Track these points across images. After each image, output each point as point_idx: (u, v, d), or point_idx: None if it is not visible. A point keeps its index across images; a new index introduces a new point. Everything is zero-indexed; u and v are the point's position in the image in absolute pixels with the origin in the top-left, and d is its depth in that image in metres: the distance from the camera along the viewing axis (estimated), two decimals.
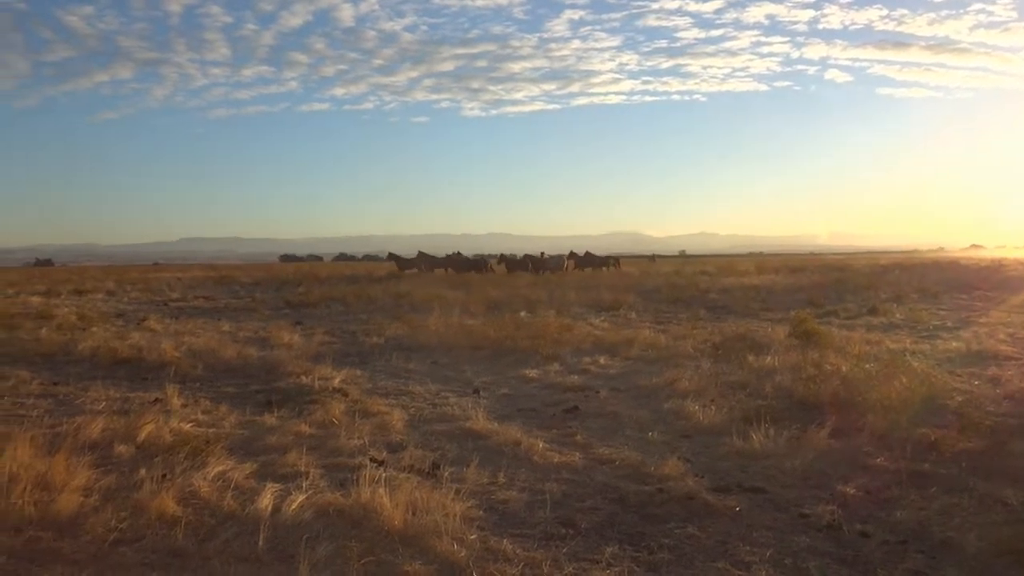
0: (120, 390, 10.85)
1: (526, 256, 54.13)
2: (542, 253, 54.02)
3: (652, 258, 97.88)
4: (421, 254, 55.53)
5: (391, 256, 57.09)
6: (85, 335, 16.35)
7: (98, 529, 5.30)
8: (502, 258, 54.79)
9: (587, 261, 54.78)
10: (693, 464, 7.10)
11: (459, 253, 53.82)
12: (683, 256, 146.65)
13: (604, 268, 53.69)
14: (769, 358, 12.10)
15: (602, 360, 13.24)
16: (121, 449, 7.32)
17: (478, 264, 50.83)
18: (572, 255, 54.68)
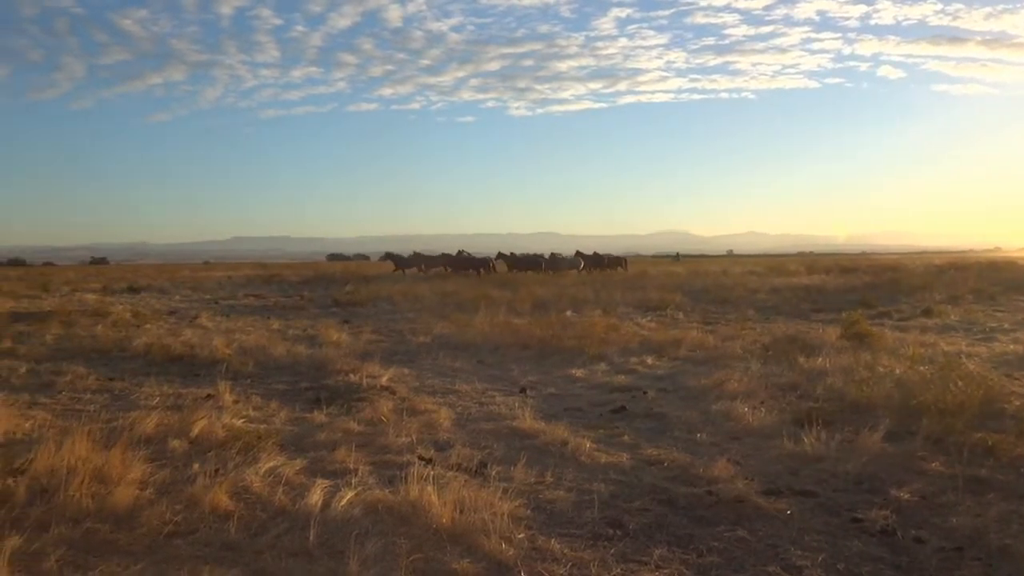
0: (173, 386, 11.03)
1: (531, 255, 52.90)
2: (552, 253, 53.18)
3: (676, 257, 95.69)
4: (416, 254, 54.21)
5: (388, 256, 55.26)
6: (139, 332, 16.66)
7: (153, 522, 5.39)
8: (499, 256, 52.74)
9: (595, 261, 53.15)
10: (743, 466, 7.03)
11: (461, 252, 51.54)
12: (731, 256, 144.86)
13: (612, 269, 52.09)
14: (820, 360, 11.94)
15: (649, 360, 13.18)
16: (175, 444, 7.45)
17: (478, 263, 49.05)
18: (578, 255, 53.44)
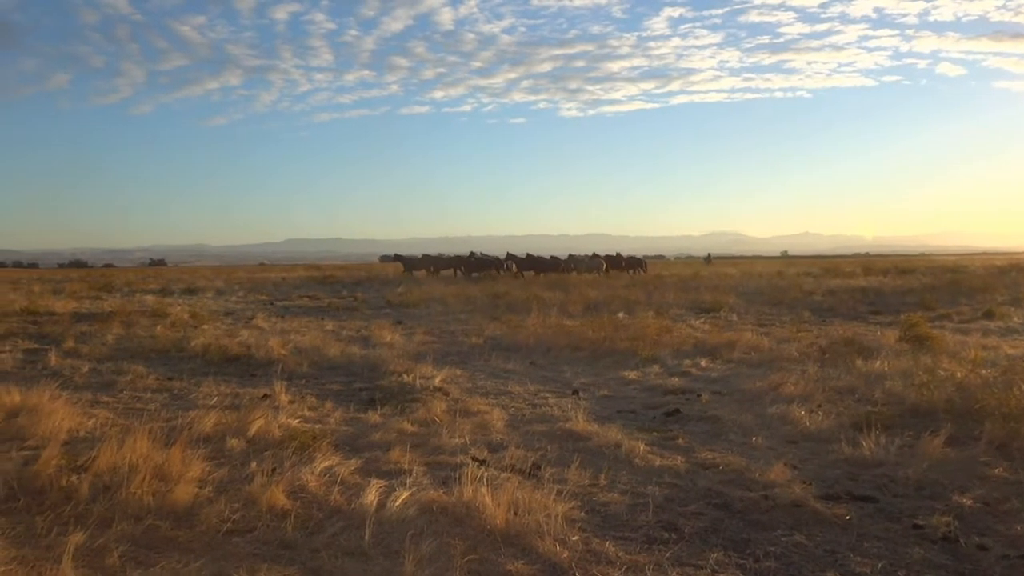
0: (230, 386, 11.21)
1: (540, 257, 51.83)
2: (570, 255, 52.25)
3: (707, 258, 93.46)
4: (425, 256, 53.69)
5: (397, 257, 54.74)
6: (197, 333, 16.95)
7: (212, 519, 5.48)
8: (508, 257, 51.27)
9: (614, 263, 52.11)
10: (800, 471, 6.92)
11: (472, 253, 51.26)
12: (785, 257, 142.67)
13: (631, 272, 50.95)
14: (879, 363, 11.74)
15: (703, 362, 13.06)
16: (233, 443, 7.56)
17: (489, 264, 48.44)
18: (595, 256, 52.70)
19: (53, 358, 13.35)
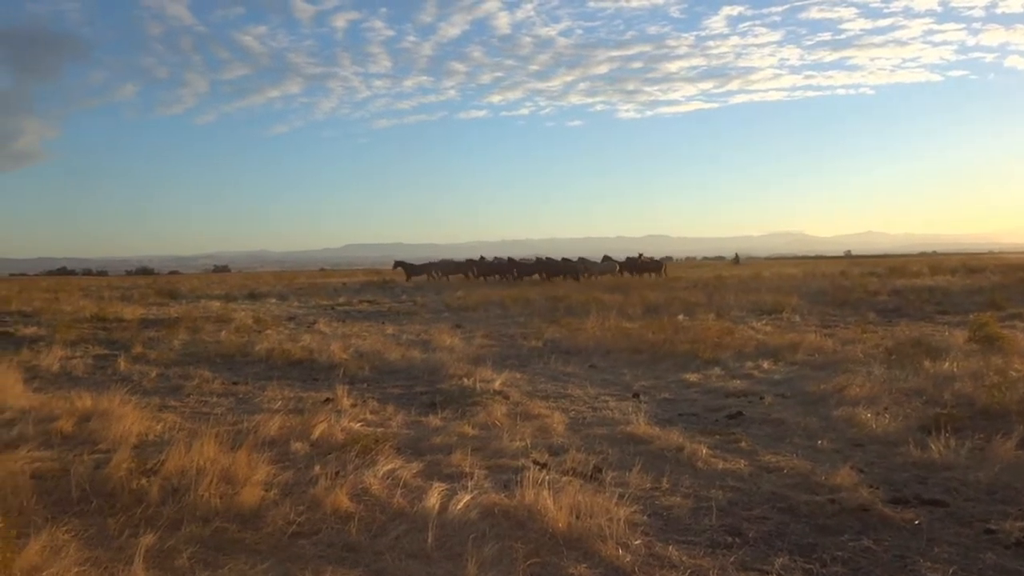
0: (294, 389, 11.38)
1: (551, 259, 49.89)
2: (581, 258, 50.55)
3: (736, 259, 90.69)
4: (429, 262, 52.44)
5: (398, 264, 52.76)
6: (260, 337, 17.23)
7: (278, 522, 5.56)
8: (510, 261, 50.23)
9: (630, 266, 50.48)
10: (867, 474, 6.79)
11: (483, 258, 50.18)
12: (849, 256, 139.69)
13: (650, 274, 49.17)
14: (947, 364, 11.46)
15: (765, 365, 12.89)
16: (297, 446, 7.67)
17: (501, 268, 47.58)
18: (606, 259, 51.42)
19: (122, 363, 13.70)
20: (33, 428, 8.38)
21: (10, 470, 6.49)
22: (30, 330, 19.35)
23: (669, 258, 52.30)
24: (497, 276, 47.74)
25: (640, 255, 52.52)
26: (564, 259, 49.51)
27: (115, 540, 5.26)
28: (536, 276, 47.18)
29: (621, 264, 50.62)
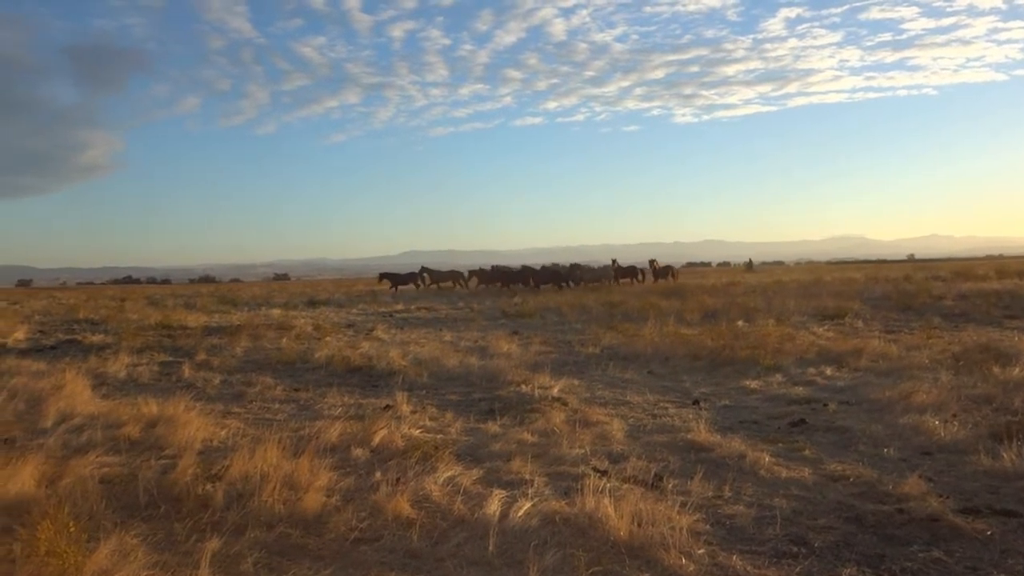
0: (353, 396, 11.49)
1: (520, 267, 48.36)
2: (573, 264, 48.52)
3: (749, 264, 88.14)
4: (411, 273, 50.27)
5: (383, 276, 50.59)
6: (320, 344, 17.43)
7: (340, 528, 5.62)
8: (494, 268, 49.01)
9: (630, 272, 48.43)
10: (935, 483, 6.62)
11: (482, 268, 49.09)
12: (912, 260, 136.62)
13: (663, 279, 47.48)
14: (1017, 370, 11.16)
15: (828, 371, 12.66)
16: (358, 452, 7.74)
17: (487, 276, 46.24)
18: (614, 263, 49.43)
19: (186, 370, 13.97)
20: (101, 434, 8.59)
21: (80, 475, 6.66)
22: (97, 338, 19.84)
23: (669, 266, 49.81)
24: (484, 285, 46.47)
25: (652, 260, 51.06)
26: (553, 264, 47.88)
27: (182, 545, 5.35)
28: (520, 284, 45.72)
29: (623, 271, 48.46)
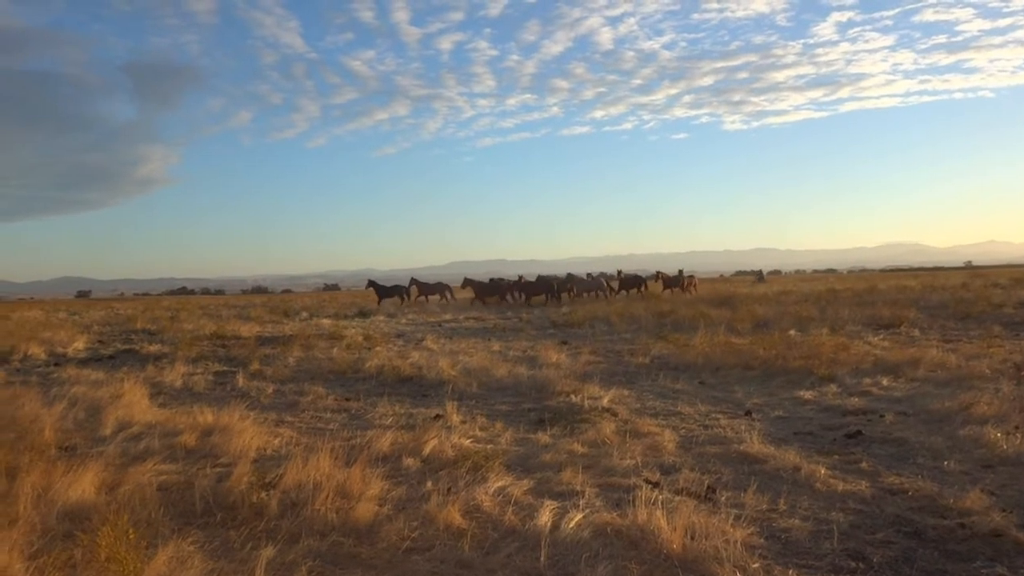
0: (404, 406, 11.54)
1: (498, 279, 47.24)
2: (569, 274, 47.38)
3: (759, 276, 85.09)
4: (396, 285, 48.92)
5: (371, 284, 49.52)
6: (370, 354, 17.54)
7: (392, 537, 5.63)
8: (467, 281, 48.12)
9: (630, 282, 46.85)
10: (998, 497, 6.45)
11: (473, 279, 47.82)
12: (969, 267, 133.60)
13: (638, 290, 46.05)
14: None
15: (884, 381, 12.40)
16: (409, 462, 7.77)
17: (480, 288, 45.19)
18: (620, 273, 48.05)
19: (240, 379, 14.16)
20: (159, 442, 8.74)
21: (138, 482, 6.78)
22: (154, 347, 20.24)
23: (682, 275, 47.93)
24: (480, 298, 45.33)
25: (658, 273, 49.79)
26: (539, 277, 45.93)
27: (237, 552, 5.41)
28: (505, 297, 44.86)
29: (625, 281, 46.89)
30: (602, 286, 45.26)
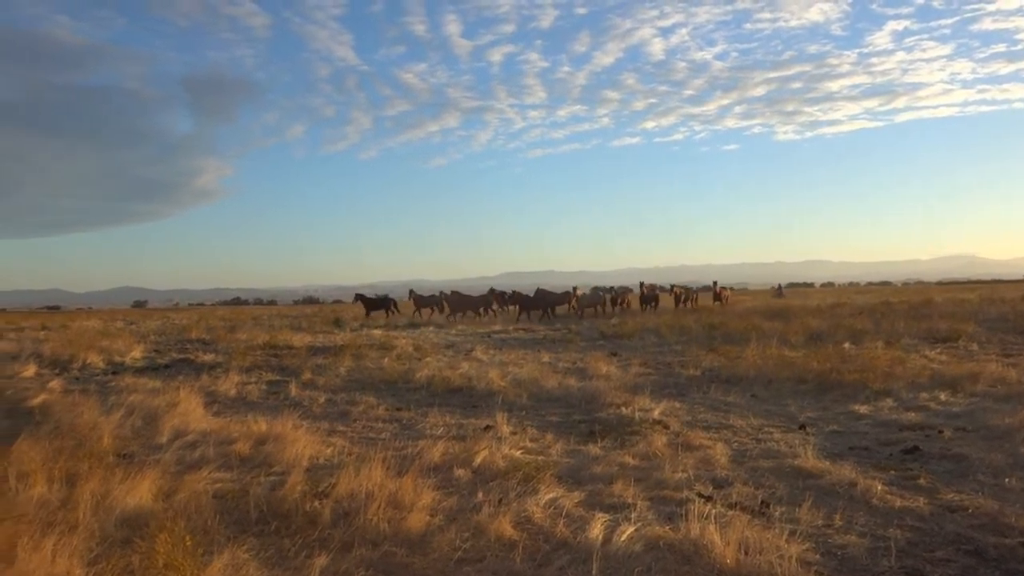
0: (454, 416, 11.58)
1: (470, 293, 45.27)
2: (568, 290, 44.42)
3: (779, 290, 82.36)
4: (410, 291, 48.87)
5: (358, 297, 48.36)
6: (421, 365, 17.66)
7: (444, 547, 5.64)
8: (361, 297, 47.05)
9: (649, 298, 45.24)
10: None
11: (455, 292, 45.79)
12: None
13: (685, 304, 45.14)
14: None
15: (942, 396, 12.14)
16: (460, 472, 7.78)
17: (477, 302, 43.66)
18: (642, 285, 46.34)
19: (293, 389, 14.33)
20: (213, 450, 8.87)
21: (194, 490, 6.88)
22: (208, 357, 20.57)
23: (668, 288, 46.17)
24: (457, 312, 43.79)
25: (673, 286, 48.52)
26: (538, 290, 43.42)
27: (291, 560, 5.47)
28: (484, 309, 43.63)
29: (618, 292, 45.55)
30: (599, 301, 43.61)
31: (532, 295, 41.93)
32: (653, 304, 44.66)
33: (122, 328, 37.92)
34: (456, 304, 43.65)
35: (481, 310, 43.57)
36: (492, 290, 45.66)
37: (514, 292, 44.61)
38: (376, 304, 45.78)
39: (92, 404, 11.68)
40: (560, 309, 43.21)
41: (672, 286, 48.94)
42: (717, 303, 46.57)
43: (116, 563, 5.17)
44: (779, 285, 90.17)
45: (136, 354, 21.66)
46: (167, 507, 6.43)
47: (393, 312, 45.23)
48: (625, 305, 44.63)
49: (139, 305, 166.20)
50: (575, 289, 44.79)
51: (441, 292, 46.70)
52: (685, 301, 46.79)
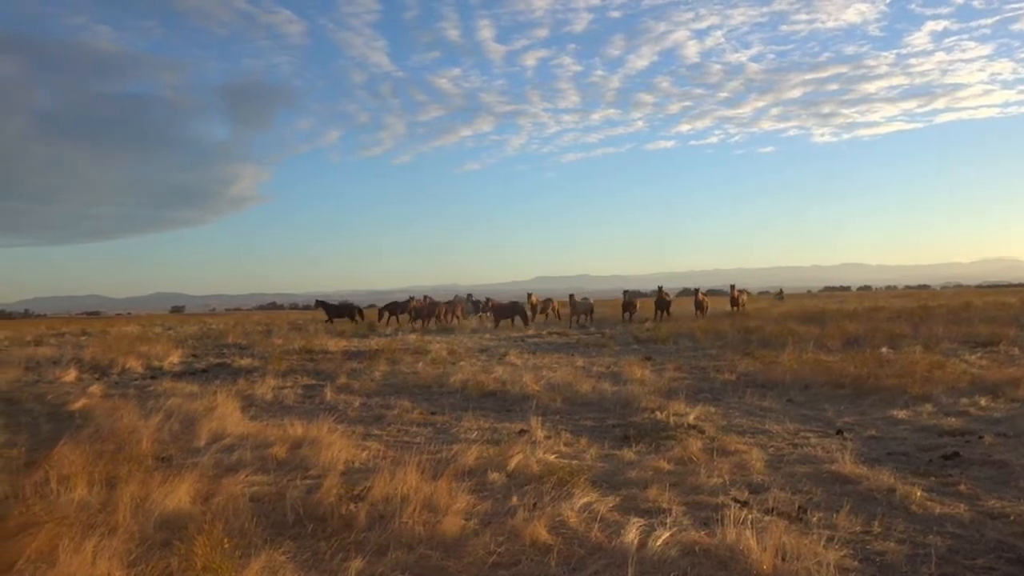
0: (488, 420, 11.60)
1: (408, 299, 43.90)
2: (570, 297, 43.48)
3: (780, 294, 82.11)
4: (346, 302, 46.82)
5: (319, 303, 47.20)
6: (455, 369, 17.68)
7: (479, 551, 5.66)
8: (323, 304, 45.96)
9: (662, 304, 42.91)
10: None
11: (427, 297, 45.16)
12: None
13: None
14: None
15: (983, 401, 11.96)
16: (494, 476, 7.79)
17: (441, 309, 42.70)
18: (660, 289, 44.57)
19: (329, 393, 14.42)
20: (251, 454, 8.96)
21: (231, 493, 6.96)
22: (245, 361, 20.78)
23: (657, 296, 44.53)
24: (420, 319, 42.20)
25: (697, 290, 46.96)
26: (512, 301, 42.34)
27: (327, 563, 5.51)
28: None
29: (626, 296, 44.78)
30: (589, 309, 42.44)
31: (506, 304, 41.16)
32: (666, 311, 43.60)
33: (160, 333, 38.43)
34: (421, 311, 42.67)
35: (446, 315, 43.08)
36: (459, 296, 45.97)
37: (487, 299, 44.12)
38: (339, 311, 44.77)
39: (131, 408, 11.83)
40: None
41: (695, 290, 47.39)
42: (734, 308, 45.98)
43: (155, 565, 5.24)
44: (780, 289, 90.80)
45: (174, 359, 21.94)
46: (205, 510, 6.51)
47: (359, 319, 43.88)
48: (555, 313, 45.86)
49: (177, 310, 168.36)
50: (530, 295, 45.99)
51: (411, 297, 45.72)
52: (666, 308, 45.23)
